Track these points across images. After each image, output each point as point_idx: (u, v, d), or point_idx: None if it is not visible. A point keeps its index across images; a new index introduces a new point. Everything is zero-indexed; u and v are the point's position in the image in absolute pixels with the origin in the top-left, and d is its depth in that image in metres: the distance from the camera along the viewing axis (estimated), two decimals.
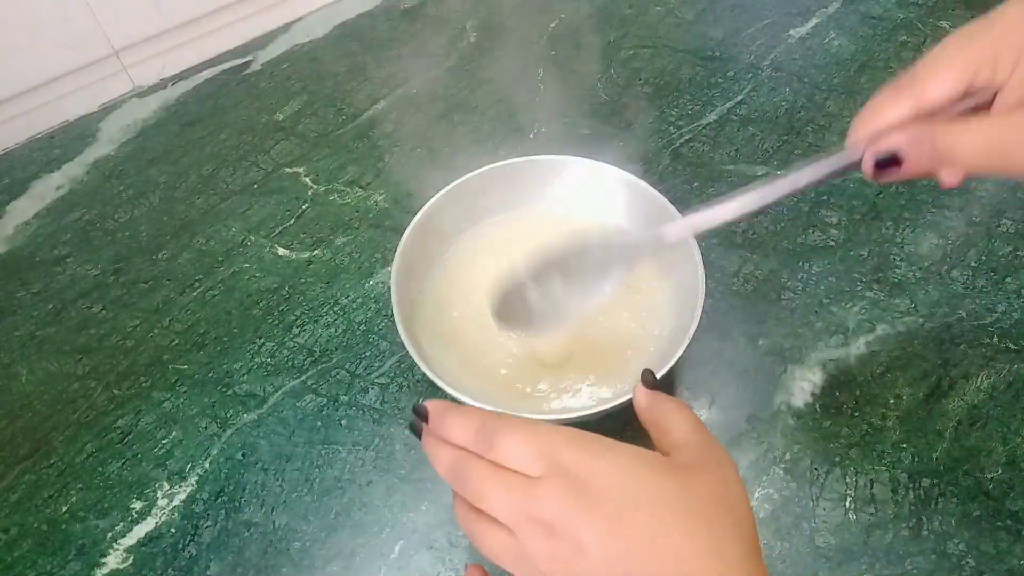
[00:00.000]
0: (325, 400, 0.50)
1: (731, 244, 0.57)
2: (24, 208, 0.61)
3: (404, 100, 0.68)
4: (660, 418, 0.33)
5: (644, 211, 0.51)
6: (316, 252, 0.58)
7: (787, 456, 0.46)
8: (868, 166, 0.33)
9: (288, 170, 0.63)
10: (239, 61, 0.73)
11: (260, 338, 0.53)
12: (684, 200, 0.59)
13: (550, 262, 0.42)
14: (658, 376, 0.38)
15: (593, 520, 0.27)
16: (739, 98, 0.67)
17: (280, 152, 0.65)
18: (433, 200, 0.50)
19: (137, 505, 0.46)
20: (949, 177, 0.31)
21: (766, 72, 0.69)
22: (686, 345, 0.42)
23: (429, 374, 0.42)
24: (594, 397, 0.46)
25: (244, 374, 0.51)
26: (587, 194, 0.53)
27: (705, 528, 0.27)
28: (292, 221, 0.60)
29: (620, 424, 0.45)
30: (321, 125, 0.67)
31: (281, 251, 0.58)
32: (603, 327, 0.48)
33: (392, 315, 0.54)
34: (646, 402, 0.34)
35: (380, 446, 0.48)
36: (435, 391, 0.50)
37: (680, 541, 0.27)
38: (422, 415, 0.33)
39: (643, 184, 0.50)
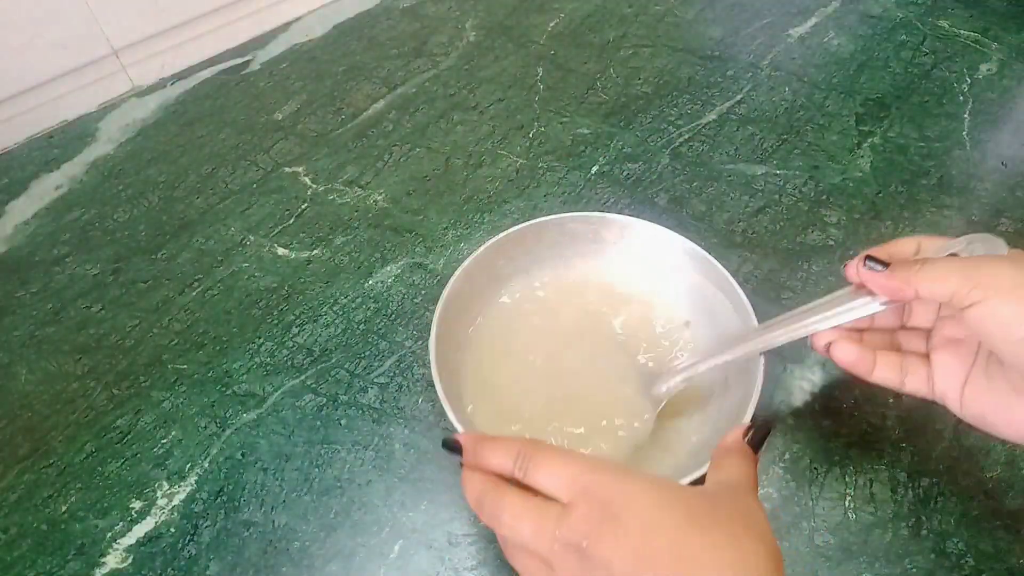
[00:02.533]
0: (324, 400, 0.50)
1: (730, 243, 0.57)
2: (23, 208, 0.61)
3: (403, 100, 0.68)
4: (725, 457, 0.33)
5: (706, 289, 0.47)
6: (315, 252, 0.58)
7: (786, 455, 0.46)
8: (854, 271, 0.36)
9: (287, 170, 0.63)
10: (238, 61, 0.73)
11: (259, 338, 0.53)
12: (684, 200, 0.59)
13: None
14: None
15: (620, 541, 0.28)
16: (738, 97, 0.67)
17: (279, 152, 0.65)
18: (476, 254, 0.47)
19: (136, 505, 0.46)
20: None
21: (765, 71, 0.69)
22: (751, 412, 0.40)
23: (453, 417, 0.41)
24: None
25: (243, 374, 0.51)
26: (648, 261, 0.50)
27: (729, 541, 0.28)
28: (291, 221, 0.60)
29: None
30: (320, 125, 0.67)
31: (280, 251, 0.58)
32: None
33: (391, 314, 0.54)
34: (729, 440, 0.35)
35: (379, 445, 0.48)
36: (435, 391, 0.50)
37: (706, 554, 0.27)
38: (455, 448, 0.34)
39: (710, 258, 0.47)
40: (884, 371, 0.38)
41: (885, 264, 0.35)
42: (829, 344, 0.38)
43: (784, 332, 0.40)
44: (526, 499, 0.31)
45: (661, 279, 0.49)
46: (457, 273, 0.46)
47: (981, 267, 0.31)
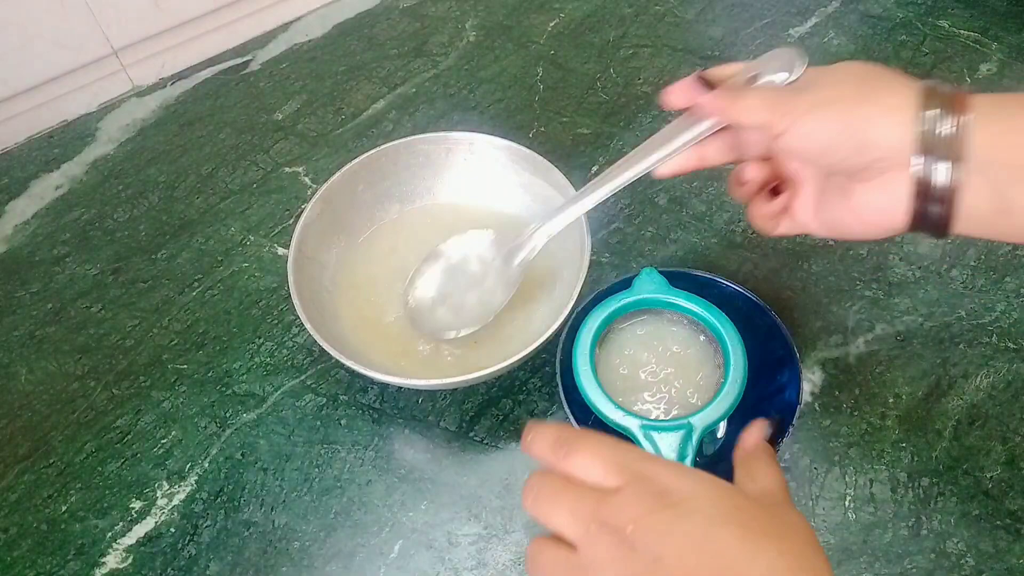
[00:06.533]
0: (324, 399, 0.50)
1: (731, 244, 0.57)
2: (23, 208, 0.61)
3: (403, 100, 0.68)
4: (753, 462, 0.32)
5: (534, 180, 0.52)
6: None
7: (786, 455, 0.46)
8: (682, 91, 0.38)
9: (287, 169, 0.63)
10: (238, 60, 0.73)
11: (259, 338, 0.53)
12: (684, 200, 0.59)
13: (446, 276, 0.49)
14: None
15: (676, 532, 0.26)
16: None
17: (279, 151, 0.65)
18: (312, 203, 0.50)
19: (136, 505, 0.46)
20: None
21: None
22: (562, 319, 0.43)
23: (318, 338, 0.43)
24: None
25: (243, 374, 0.51)
26: (472, 170, 0.55)
27: (796, 550, 0.26)
28: (291, 221, 0.60)
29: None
30: (320, 124, 0.67)
31: (280, 250, 0.58)
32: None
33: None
34: (751, 444, 0.33)
35: (379, 445, 0.48)
36: (435, 391, 0.50)
37: (773, 560, 0.25)
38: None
39: (529, 152, 0.52)
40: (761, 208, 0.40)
41: (712, 86, 0.37)
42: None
43: (608, 186, 0.43)
44: (566, 481, 0.29)
45: (492, 183, 0.55)
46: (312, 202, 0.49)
47: (783, 96, 0.34)
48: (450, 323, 0.48)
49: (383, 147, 0.52)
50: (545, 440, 0.30)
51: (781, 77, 0.36)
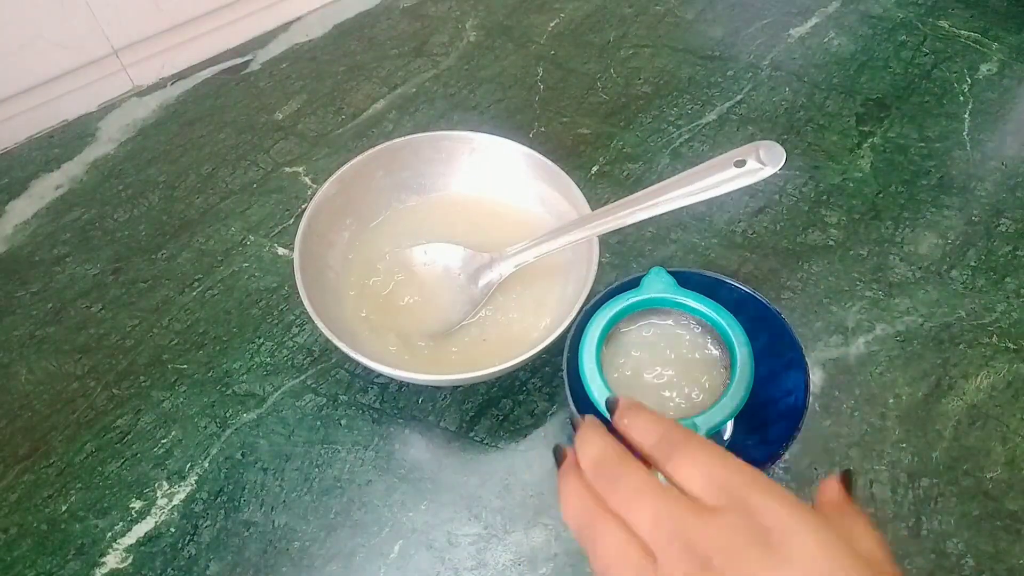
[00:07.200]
0: (324, 400, 0.50)
1: (731, 244, 0.57)
2: (23, 208, 0.61)
3: (403, 100, 0.68)
4: (848, 521, 0.27)
5: (547, 186, 0.52)
6: None
7: (786, 456, 0.46)
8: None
9: (287, 169, 0.63)
10: (238, 60, 0.73)
11: (259, 337, 0.53)
12: None
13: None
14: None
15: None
16: (738, 97, 0.67)
17: (279, 151, 0.65)
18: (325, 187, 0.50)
19: (136, 505, 0.46)
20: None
21: (765, 71, 0.69)
22: (560, 331, 0.43)
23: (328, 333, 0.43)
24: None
25: (243, 373, 0.51)
26: (490, 172, 0.55)
27: None
28: (291, 220, 0.60)
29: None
30: (320, 124, 0.67)
31: (280, 250, 0.58)
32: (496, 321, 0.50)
33: None
34: (837, 496, 0.28)
35: (379, 445, 0.48)
36: (435, 391, 0.50)
37: None
38: (611, 407, 0.32)
39: (546, 161, 0.51)
40: None
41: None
42: None
43: (614, 218, 0.43)
44: (654, 478, 0.27)
45: (508, 187, 0.54)
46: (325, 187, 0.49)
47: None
48: (416, 327, 0.49)
49: (407, 137, 0.52)
50: (651, 432, 0.29)
51: (766, 171, 0.39)
